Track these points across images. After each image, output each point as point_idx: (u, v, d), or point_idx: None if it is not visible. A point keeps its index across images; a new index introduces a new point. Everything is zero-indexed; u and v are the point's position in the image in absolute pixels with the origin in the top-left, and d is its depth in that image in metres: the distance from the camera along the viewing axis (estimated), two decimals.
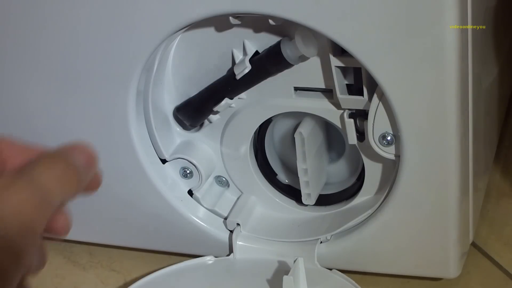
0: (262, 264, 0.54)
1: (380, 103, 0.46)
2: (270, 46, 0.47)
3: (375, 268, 0.54)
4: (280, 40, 0.47)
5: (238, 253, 0.55)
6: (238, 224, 0.55)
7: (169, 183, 0.54)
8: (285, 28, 0.47)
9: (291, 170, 0.56)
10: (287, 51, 0.46)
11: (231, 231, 0.55)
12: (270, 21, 0.45)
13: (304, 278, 0.50)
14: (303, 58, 0.47)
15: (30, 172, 0.29)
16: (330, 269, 0.53)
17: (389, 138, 0.47)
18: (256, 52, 0.48)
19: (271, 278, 0.52)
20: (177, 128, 0.55)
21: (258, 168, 0.55)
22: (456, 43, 0.42)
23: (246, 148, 0.54)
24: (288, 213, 0.56)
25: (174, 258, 0.58)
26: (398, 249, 0.51)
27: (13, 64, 0.51)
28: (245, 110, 0.51)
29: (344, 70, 0.47)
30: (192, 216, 0.55)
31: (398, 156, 0.48)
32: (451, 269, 0.51)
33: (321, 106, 0.50)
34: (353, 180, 0.54)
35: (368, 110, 0.47)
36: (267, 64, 0.47)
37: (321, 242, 0.53)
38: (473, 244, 0.56)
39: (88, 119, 0.52)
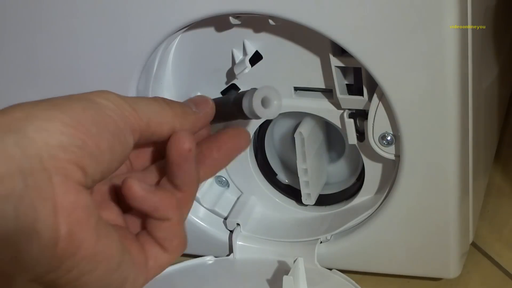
0: (262, 264, 0.54)
1: (380, 103, 0.46)
2: (241, 92, 0.42)
3: (375, 268, 0.54)
4: (247, 91, 0.41)
5: (238, 253, 0.55)
6: (238, 224, 0.55)
7: None
8: (286, 29, 0.47)
9: (291, 170, 0.56)
10: (246, 103, 0.41)
11: (231, 231, 0.55)
12: (270, 21, 0.45)
13: (304, 278, 0.50)
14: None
15: None
16: (330, 269, 0.53)
17: (389, 138, 0.47)
18: (256, 52, 0.48)
19: (271, 278, 0.52)
20: None
21: (258, 168, 0.55)
22: (456, 43, 0.42)
23: None
24: (288, 213, 0.56)
25: None
26: (398, 249, 0.51)
27: (13, 64, 0.51)
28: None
29: (344, 70, 0.47)
30: (192, 216, 0.55)
31: (398, 156, 0.48)
32: (451, 269, 0.51)
33: (321, 106, 0.50)
34: (353, 180, 0.54)
35: (368, 110, 0.47)
36: (229, 106, 0.43)
37: (321, 242, 0.53)
38: (473, 244, 0.56)
39: None
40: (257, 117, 0.41)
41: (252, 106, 0.40)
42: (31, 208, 0.29)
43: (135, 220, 0.37)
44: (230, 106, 0.42)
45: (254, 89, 0.41)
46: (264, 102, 0.40)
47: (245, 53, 0.49)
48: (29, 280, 0.31)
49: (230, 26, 0.48)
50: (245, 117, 0.42)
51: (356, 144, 0.50)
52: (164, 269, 0.37)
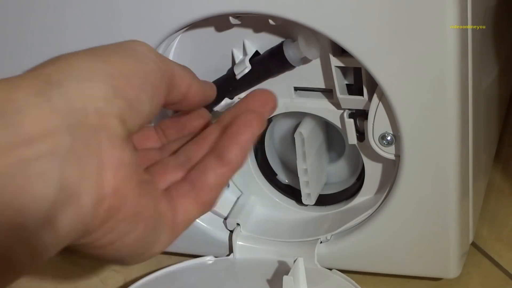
0: (262, 264, 0.54)
1: (380, 103, 0.46)
2: (273, 47, 0.47)
3: (375, 268, 0.54)
4: (283, 41, 0.47)
5: (238, 253, 0.55)
6: (238, 224, 0.55)
7: None
8: (286, 29, 0.47)
9: (291, 170, 0.56)
10: (290, 53, 0.46)
11: (231, 231, 0.55)
12: (270, 21, 0.45)
13: (304, 278, 0.50)
14: (305, 60, 0.47)
15: None
16: (330, 269, 0.53)
17: (389, 138, 0.47)
18: (256, 52, 0.48)
19: (271, 278, 0.52)
20: None
21: (258, 168, 0.55)
22: (456, 43, 0.42)
23: None
24: (288, 213, 0.56)
25: (174, 258, 0.58)
26: (398, 249, 0.51)
27: (12, 64, 0.51)
28: None
29: (344, 70, 0.47)
30: None
31: (398, 156, 0.48)
32: (451, 269, 0.51)
33: (321, 106, 0.50)
34: (353, 180, 0.54)
35: (368, 110, 0.47)
36: (269, 64, 0.48)
37: (321, 242, 0.53)
38: (473, 244, 0.56)
39: None
40: (301, 62, 0.47)
41: (299, 49, 0.45)
42: (77, 165, 0.28)
43: (159, 174, 0.36)
44: (266, 62, 0.47)
45: (288, 40, 0.46)
46: (307, 44, 0.45)
47: (245, 53, 0.49)
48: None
49: (230, 26, 0.48)
50: (280, 69, 0.47)
51: (356, 144, 0.50)
52: (192, 222, 0.36)
